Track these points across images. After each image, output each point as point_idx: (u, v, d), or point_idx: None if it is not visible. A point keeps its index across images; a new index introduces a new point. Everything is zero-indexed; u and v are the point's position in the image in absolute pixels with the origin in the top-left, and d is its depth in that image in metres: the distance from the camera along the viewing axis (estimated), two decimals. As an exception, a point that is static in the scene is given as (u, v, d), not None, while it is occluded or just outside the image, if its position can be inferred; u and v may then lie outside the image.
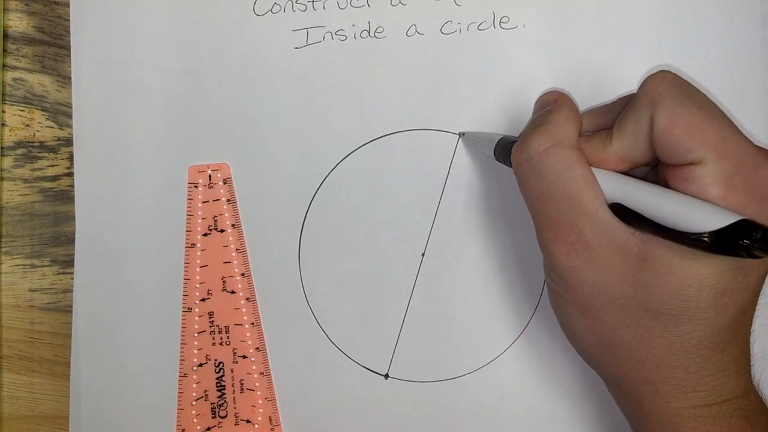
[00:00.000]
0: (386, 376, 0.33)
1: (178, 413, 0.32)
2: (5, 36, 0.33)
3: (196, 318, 0.32)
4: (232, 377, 0.32)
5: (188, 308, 0.32)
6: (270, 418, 0.32)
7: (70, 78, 0.33)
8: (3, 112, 0.33)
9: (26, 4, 0.33)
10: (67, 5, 0.33)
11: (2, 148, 0.33)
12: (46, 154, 0.33)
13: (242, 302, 0.32)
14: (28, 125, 0.33)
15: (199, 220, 0.32)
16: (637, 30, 0.32)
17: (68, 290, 0.33)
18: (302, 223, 0.33)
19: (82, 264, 0.33)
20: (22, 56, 0.33)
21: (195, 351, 0.32)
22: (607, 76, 0.32)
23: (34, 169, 0.33)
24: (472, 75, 0.32)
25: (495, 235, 0.33)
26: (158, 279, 0.32)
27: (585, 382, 0.33)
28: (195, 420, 0.32)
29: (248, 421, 0.32)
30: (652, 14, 0.32)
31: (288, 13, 0.32)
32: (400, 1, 0.32)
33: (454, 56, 0.32)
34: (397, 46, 0.33)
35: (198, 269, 0.32)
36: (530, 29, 0.32)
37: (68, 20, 0.33)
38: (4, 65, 0.33)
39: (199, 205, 0.32)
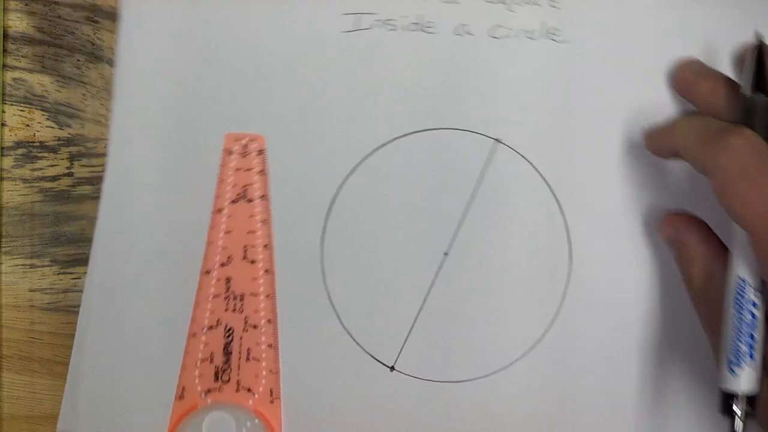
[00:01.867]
0: (392, 368, 0.32)
1: (181, 372, 0.32)
2: (5, 36, 0.33)
3: (213, 281, 0.32)
4: (240, 345, 0.32)
5: (207, 271, 0.32)
6: (271, 391, 0.32)
7: (70, 78, 0.33)
8: (3, 112, 0.33)
9: (26, 4, 0.33)
10: (68, 5, 0.33)
11: (2, 148, 0.33)
12: (46, 154, 0.33)
13: (261, 273, 0.32)
14: (28, 125, 0.33)
15: (229, 187, 0.32)
16: (695, 40, 0.32)
17: (68, 290, 0.33)
18: (330, 206, 0.32)
19: (107, 206, 0.32)
20: (22, 56, 0.33)
21: (207, 313, 0.32)
22: (664, 97, 0.32)
23: (34, 169, 0.33)
24: (516, 82, 0.32)
25: (519, 244, 0.32)
26: (181, 240, 0.32)
27: (596, 402, 0.32)
28: (197, 380, 0.32)
29: (249, 390, 0.32)
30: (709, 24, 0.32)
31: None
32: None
33: (500, 61, 0.32)
34: (444, 42, 0.32)
35: (222, 234, 0.32)
36: (581, 44, 0.32)
37: (68, 20, 0.33)
38: (4, 65, 0.33)
39: (231, 172, 0.32)
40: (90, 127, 0.33)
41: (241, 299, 0.32)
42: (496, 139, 0.32)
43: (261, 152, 0.32)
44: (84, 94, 0.33)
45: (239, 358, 0.32)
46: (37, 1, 0.33)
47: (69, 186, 0.33)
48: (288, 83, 0.33)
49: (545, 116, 0.32)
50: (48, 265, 0.34)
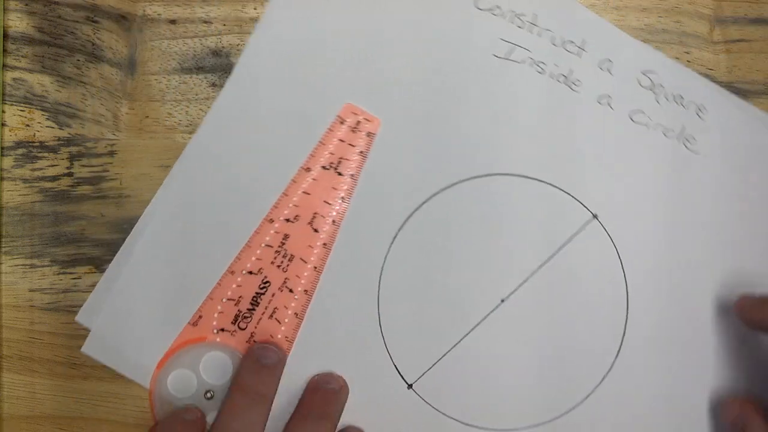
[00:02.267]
0: (410, 386, 0.33)
1: (205, 301, 0.32)
2: (5, 36, 0.33)
3: (272, 232, 0.32)
4: (270, 301, 0.32)
5: (271, 219, 0.32)
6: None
7: (70, 78, 0.33)
8: (3, 112, 0.33)
9: (26, 4, 0.33)
10: (68, 5, 0.33)
11: (2, 148, 0.33)
12: (46, 154, 0.33)
13: (319, 244, 0.32)
14: (28, 125, 0.33)
15: (327, 153, 0.32)
16: None
17: (68, 290, 0.33)
18: (406, 219, 0.33)
19: (214, 118, 0.33)
20: (22, 56, 0.33)
21: (253, 258, 0.32)
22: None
23: (34, 169, 0.33)
24: (629, 165, 0.33)
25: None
26: (262, 181, 0.32)
27: None
28: (216, 315, 0.32)
29: None
30: None
31: (504, 22, 0.33)
32: (608, 69, 0.33)
33: (626, 141, 0.33)
34: (583, 104, 0.33)
35: (299, 192, 0.32)
36: (708, 161, 0.33)
37: (68, 20, 0.33)
38: (4, 65, 0.33)
39: (335, 140, 0.32)
40: (90, 127, 0.33)
41: (290, 260, 0.32)
42: (594, 215, 0.33)
43: (370, 135, 0.33)
44: (84, 94, 0.33)
45: (263, 313, 0.32)
46: (37, 1, 0.33)
47: (69, 186, 0.33)
48: (424, 85, 0.33)
49: (644, 202, 0.33)
50: (48, 265, 0.34)
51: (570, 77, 0.33)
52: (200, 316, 0.32)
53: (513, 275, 0.33)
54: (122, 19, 0.33)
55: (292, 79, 0.33)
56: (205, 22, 0.34)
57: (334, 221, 0.32)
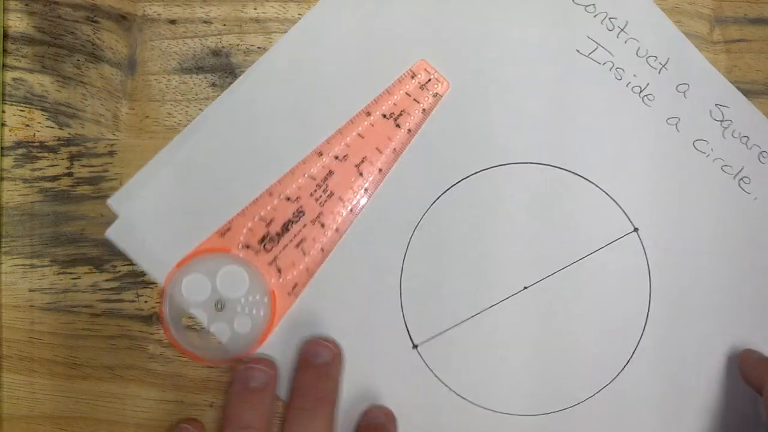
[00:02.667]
0: (415, 346, 0.33)
1: (237, 215, 0.32)
2: (5, 36, 0.33)
3: (319, 165, 0.32)
4: (300, 231, 0.32)
5: (320, 153, 0.32)
6: (295, 285, 0.32)
7: (70, 78, 0.33)
8: (3, 112, 0.33)
9: (26, 4, 0.33)
10: (68, 5, 0.33)
11: (2, 148, 0.33)
12: (46, 154, 0.33)
13: (360, 189, 0.32)
14: (28, 125, 0.33)
15: (390, 103, 0.33)
16: None
17: (68, 290, 0.33)
18: (452, 185, 0.33)
19: (292, 38, 0.33)
20: (22, 56, 0.33)
21: (294, 185, 0.32)
22: None
23: (34, 169, 0.33)
24: (687, 195, 0.33)
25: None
26: (320, 112, 0.32)
27: None
28: (245, 231, 0.32)
29: (279, 271, 0.32)
30: None
31: (596, 21, 0.33)
32: (684, 93, 0.33)
33: (686, 170, 0.33)
34: (651, 119, 0.33)
35: (354, 134, 0.32)
36: (760, 200, 0.33)
37: (68, 20, 0.33)
38: (4, 65, 0.33)
39: (401, 93, 0.33)
40: (90, 127, 0.33)
41: (329, 196, 0.32)
42: (636, 228, 0.33)
43: (437, 96, 0.33)
44: (84, 94, 0.33)
45: (291, 240, 0.32)
46: (37, 1, 0.33)
47: (69, 186, 0.33)
48: (498, 62, 0.33)
49: (686, 227, 0.33)
50: (48, 265, 0.34)
51: (645, 90, 0.33)
52: (229, 229, 0.32)
53: (541, 266, 0.33)
54: (122, 19, 0.33)
55: (370, 25, 0.33)
56: (205, 22, 0.34)
57: (380, 170, 0.32)
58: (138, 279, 0.34)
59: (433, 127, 0.33)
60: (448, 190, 0.33)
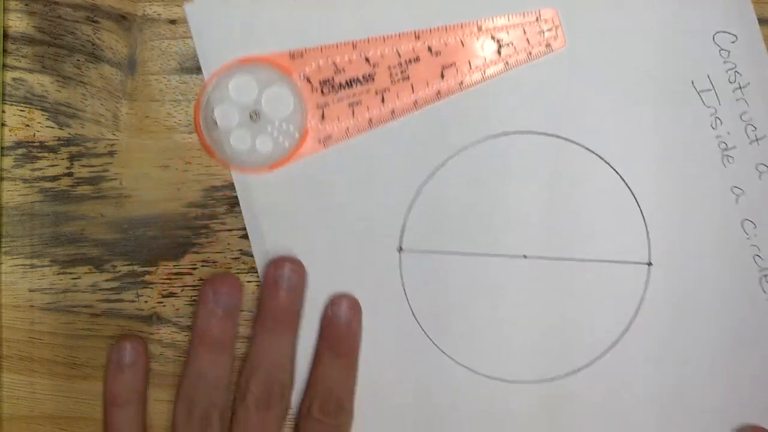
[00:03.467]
0: (400, 248, 0.33)
1: (315, 47, 0.32)
2: (5, 36, 0.33)
3: (410, 46, 0.32)
4: (360, 93, 0.32)
5: (417, 36, 0.32)
6: (329, 137, 0.33)
7: (70, 78, 0.33)
8: (3, 112, 0.33)
9: (26, 4, 0.33)
10: (68, 5, 0.33)
11: (2, 148, 0.33)
12: (46, 154, 0.33)
13: (434, 89, 0.32)
14: (28, 125, 0.33)
15: (504, 30, 0.32)
16: None
17: (68, 290, 0.34)
18: (476, 142, 0.33)
19: None
20: (22, 56, 0.33)
21: (378, 51, 0.32)
22: None
23: (34, 169, 0.33)
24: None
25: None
26: (429, 5, 0.32)
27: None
28: (314, 65, 0.32)
29: (323, 117, 0.32)
30: None
31: (723, 67, 0.32)
32: (760, 174, 0.33)
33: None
34: (719, 178, 0.33)
35: (457, 38, 0.32)
36: None
37: (68, 20, 0.33)
38: (4, 65, 0.33)
39: (520, 27, 0.32)
40: (90, 127, 0.33)
41: (404, 79, 0.32)
42: (649, 263, 0.33)
43: (549, 47, 0.32)
44: (84, 94, 0.33)
45: (348, 97, 0.32)
46: (37, 1, 0.33)
47: (69, 186, 0.33)
48: (615, 39, 0.32)
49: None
50: (48, 265, 0.34)
51: (728, 151, 0.32)
52: (302, 55, 0.32)
53: (545, 238, 0.33)
54: (122, 19, 0.33)
55: None
56: (205, 22, 0.34)
57: (461, 83, 0.32)
58: (138, 279, 0.34)
59: (518, 73, 0.33)
60: (482, 141, 0.33)
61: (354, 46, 0.32)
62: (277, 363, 0.32)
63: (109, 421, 0.32)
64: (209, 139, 0.32)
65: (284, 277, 0.32)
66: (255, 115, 0.32)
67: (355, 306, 0.33)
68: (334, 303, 0.33)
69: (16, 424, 0.34)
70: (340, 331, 0.32)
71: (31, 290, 0.34)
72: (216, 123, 0.32)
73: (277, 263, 0.32)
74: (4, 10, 0.33)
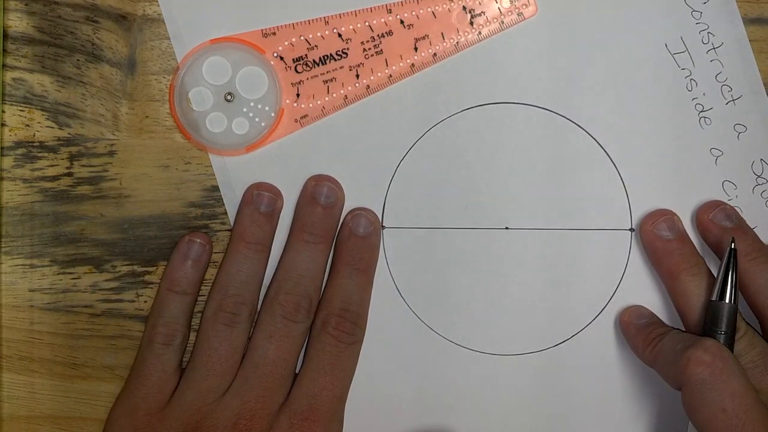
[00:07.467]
0: (382, 226, 0.33)
1: (287, 24, 0.32)
2: (5, 36, 0.33)
3: (381, 19, 0.32)
4: (334, 70, 0.33)
5: (389, 9, 0.32)
6: (305, 116, 0.33)
7: (70, 78, 0.33)
8: (3, 112, 0.33)
9: (26, 4, 0.33)
10: (68, 5, 0.33)
11: (2, 148, 0.33)
12: (46, 154, 0.33)
13: (408, 62, 0.32)
14: (28, 125, 0.33)
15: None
16: None
17: (68, 290, 0.34)
18: (456, 113, 0.33)
19: None
20: (22, 56, 0.33)
21: (350, 26, 0.32)
22: None
23: (34, 169, 0.33)
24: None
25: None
26: None
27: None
28: (287, 43, 0.32)
29: (297, 95, 0.33)
30: None
31: (695, 28, 0.32)
32: (739, 133, 0.33)
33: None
34: (697, 141, 0.33)
35: (429, 9, 0.32)
36: None
37: (68, 20, 0.33)
38: (4, 65, 0.33)
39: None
40: (90, 127, 0.33)
41: (377, 54, 0.32)
42: (631, 230, 0.33)
43: (520, 16, 0.32)
44: (84, 94, 0.33)
45: (322, 74, 0.32)
46: (37, 1, 0.33)
47: (69, 186, 0.33)
48: (588, 13, 0.32)
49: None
50: (48, 265, 0.34)
51: (705, 113, 0.32)
52: (274, 33, 0.32)
53: (528, 209, 0.33)
54: (122, 19, 0.33)
55: None
56: (205, 22, 0.34)
57: (435, 54, 0.32)
58: (138, 279, 0.34)
59: (492, 44, 0.32)
60: (462, 111, 0.33)
61: (326, 21, 0.32)
62: (308, 275, 0.32)
63: (164, 304, 0.32)
64: (185, 122, 0.32)
65: (323, 194, 0.32)
66: (230, 96, 0.32)
67: (375, 221, 0.33)
68: (354, 215, 0.33)
69: (16, 424, 0.34)
70: (359, 243, 0.32)
71: (31, 290, 0.34)
72: (191, 106, 0.32)
73: (318, 179, 0.32)
74: (4, 10, 0.33)
